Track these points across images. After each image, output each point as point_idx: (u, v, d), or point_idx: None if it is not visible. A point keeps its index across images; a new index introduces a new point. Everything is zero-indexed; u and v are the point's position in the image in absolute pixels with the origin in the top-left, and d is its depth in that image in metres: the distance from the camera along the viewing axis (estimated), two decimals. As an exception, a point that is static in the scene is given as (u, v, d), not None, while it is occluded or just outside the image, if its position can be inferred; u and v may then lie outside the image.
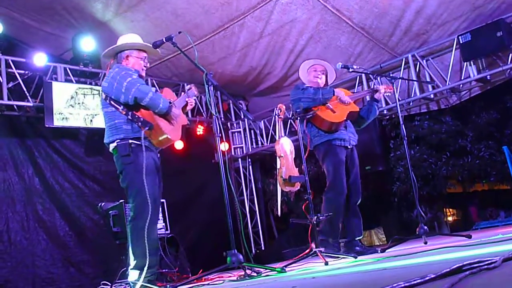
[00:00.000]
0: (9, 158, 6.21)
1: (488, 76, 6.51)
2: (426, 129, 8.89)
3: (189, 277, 4.42)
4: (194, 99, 3.72)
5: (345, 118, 4.37)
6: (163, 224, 5.39)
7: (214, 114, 3.40)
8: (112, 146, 3.41)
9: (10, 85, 6.17)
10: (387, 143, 8.82)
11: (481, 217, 10.45)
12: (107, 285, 4.61)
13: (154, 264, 3.30)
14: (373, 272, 2.37)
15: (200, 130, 8.21)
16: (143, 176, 3.23)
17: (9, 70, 6.17)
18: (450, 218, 11.30)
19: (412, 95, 7.16)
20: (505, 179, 8.71)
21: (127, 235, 3.34)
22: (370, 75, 6.57)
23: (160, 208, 4.87)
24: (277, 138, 4.68)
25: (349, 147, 4.40)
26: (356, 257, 3.68)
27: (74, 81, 6.67)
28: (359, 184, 4.44)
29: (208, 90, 3.39)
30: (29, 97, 6.28)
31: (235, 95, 8.32)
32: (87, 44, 6.32)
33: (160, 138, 3.37)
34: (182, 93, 3.82)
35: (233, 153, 8.92)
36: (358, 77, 7.45)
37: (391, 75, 5.42)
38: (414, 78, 6.93)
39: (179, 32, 3.53)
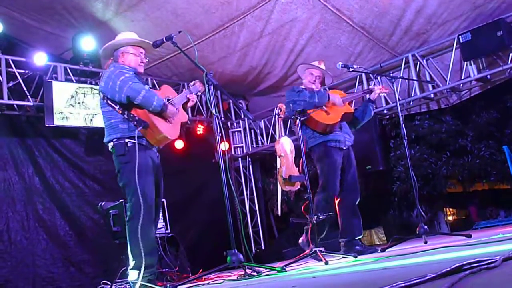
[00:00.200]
0: (9, 157, 6.22)
1: (488, 76, 6.51)
2: (426, 129, 8.87)
3: (189, 276, 4.42)
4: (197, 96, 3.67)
5: (339, 120, 4.37)
6: (163, 223, 5.39)
7: (214, 113, 3.38)
8: (110, 145, 3.41)
9: (10, 85, 6.18)
10: (387, 142, 8.79)
11: (481, 216, 10.42)
12: (107, 284, 4.62)
13: (153, 263, 3.28)
14: (373, 272, 2.37)
15: (200, 129, 8.21)
16: (136, 176, 3.22)
17: (9, 69, 6.18)
18: (450, 218, 11.27)
19: (412, 95, 7.16)
20: (505, 179, 8.69)
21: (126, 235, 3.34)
22: (370, 75, 6.56)
23: (161, 208, 4.86)
24: (277, 137, 4.68)
25: (344, 148, 4.40)
26: (356, 257, 3.69)
27: (74, 81, 6.67)
28: (357, 183, 4.45)
29: (208, 90, 3.38)
30: (29, 97, 6.28)
31: (235, 95, 8.32)
32: (87, 43, 6.33)
33: (157, 137, 3.36)
34: (184, 89, 3.78)
35: (233, 153, 8.92)
36: (358, 77, 7.45)
37: (391, 74, 5.43)
38: (414, 78, 6.93)
39: (179, 32, 3.52)
